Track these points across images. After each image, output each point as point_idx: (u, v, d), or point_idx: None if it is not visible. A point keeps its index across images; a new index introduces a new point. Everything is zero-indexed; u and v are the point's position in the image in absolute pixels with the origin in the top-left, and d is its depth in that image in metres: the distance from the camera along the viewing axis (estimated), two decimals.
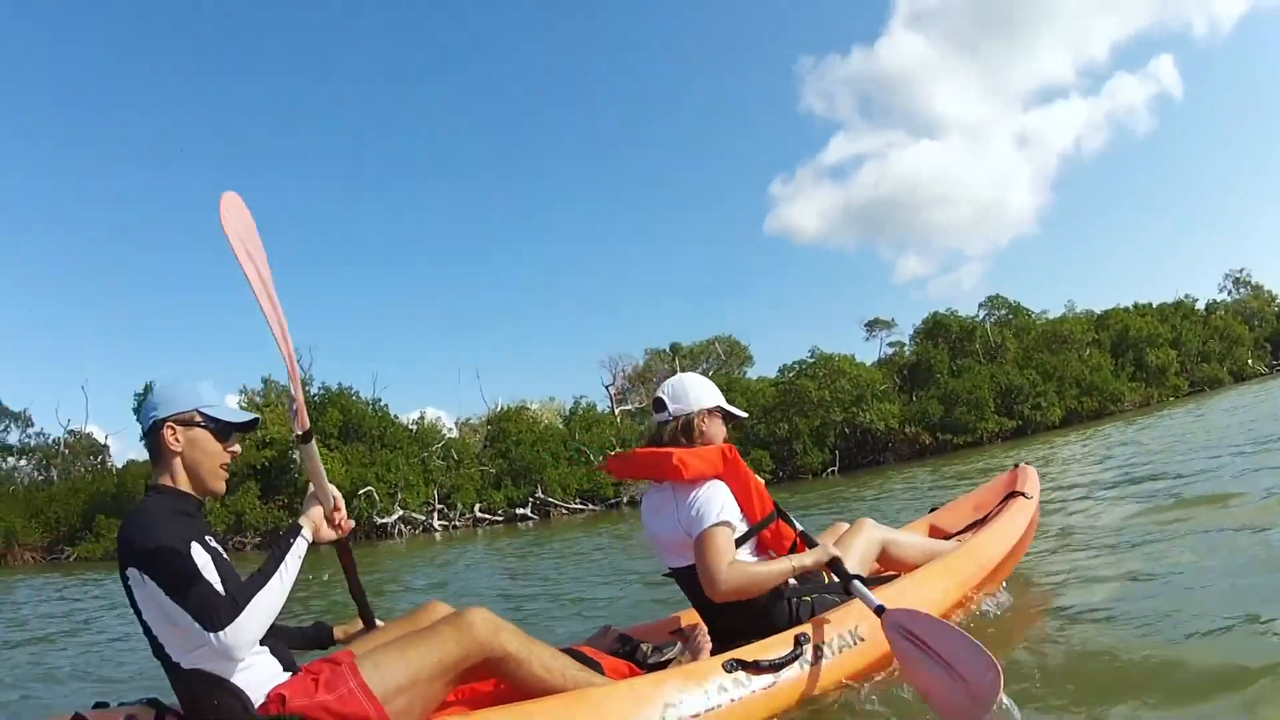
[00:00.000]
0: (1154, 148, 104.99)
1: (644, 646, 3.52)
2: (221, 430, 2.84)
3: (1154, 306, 51.98)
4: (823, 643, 3.24)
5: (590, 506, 34.59)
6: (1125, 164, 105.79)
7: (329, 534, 2.98)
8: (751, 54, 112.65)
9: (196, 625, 2.41)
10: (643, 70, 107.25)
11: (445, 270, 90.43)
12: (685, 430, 3.70)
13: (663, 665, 3.33)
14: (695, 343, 53.92)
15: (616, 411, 45.38)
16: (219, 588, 2.50)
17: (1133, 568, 4.80)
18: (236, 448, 2.89)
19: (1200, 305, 55.28)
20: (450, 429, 35.99)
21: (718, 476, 3.54)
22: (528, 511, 33.69)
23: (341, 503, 3.03)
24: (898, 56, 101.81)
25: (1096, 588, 4.43)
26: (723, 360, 52.51)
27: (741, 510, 3.55)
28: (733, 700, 2.93)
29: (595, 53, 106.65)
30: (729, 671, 3.00)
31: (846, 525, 4.24)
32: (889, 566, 4.11)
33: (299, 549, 2.72)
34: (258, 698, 2.61)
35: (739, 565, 3.39)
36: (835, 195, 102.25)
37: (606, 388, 49.44)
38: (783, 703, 3.05)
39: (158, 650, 2.63)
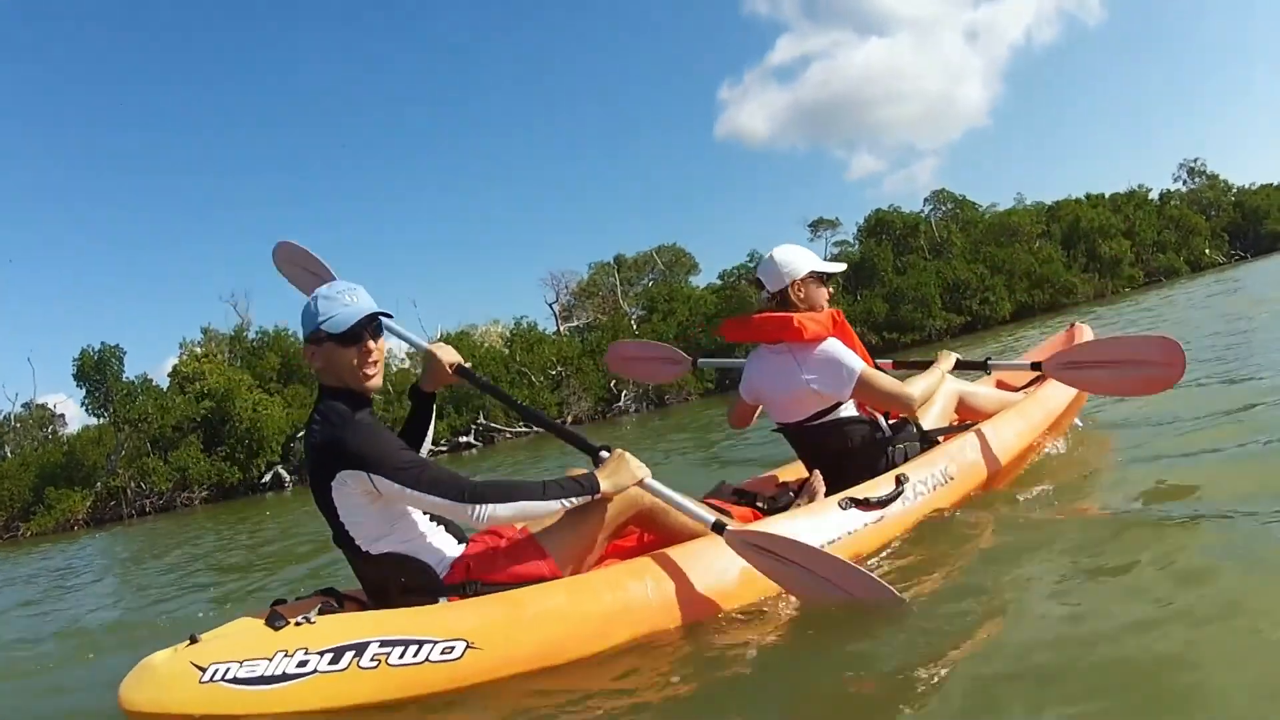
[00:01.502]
0: (1105, 39, 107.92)
1: (760, 497, 4.03)
2: (344, 338, 3.02)
3: (1106, 197, 52.91)
4: (920, 482, 3.87)
5: (534, 430, 34.98)
6: (1077, 56, 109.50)
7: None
8: None
9: (452, 504, 2.88)
10: None
11: (389, 195, 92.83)
12: (785, 304, 4.18)
13: (778, 510, 3.84)
14: (639, 253, 54.39)
15: (563, 329, 45.71)
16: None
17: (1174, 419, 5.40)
18: (368, 345, 3.07)
19: (1154, 195, 56.28)
20: (402, 359, 36.18)
21: (831, 336, 4.04)
22: (471, 439, 34.05)
23: None
24: None
25: (1148, 437, 5.02)
26: (663, 271, 52.87)
27: None
28: (848, 532, 3.52)
29: None
30: (844, 509, 3.59)
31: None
32: (965, 416, 4.68)
33: (580, 500, 3.08)
34: (442, 569, 3.06)
35: (913, 380, 4.04)
36: (784, 97, 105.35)
37: (550, 305, 49.73)
38: (889, 533, 3.67)
39: (342, 541, 3.05)
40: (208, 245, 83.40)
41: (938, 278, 41.53)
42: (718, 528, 3.10)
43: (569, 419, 34.94)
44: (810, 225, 54.73)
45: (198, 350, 37.07)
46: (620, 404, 35.91)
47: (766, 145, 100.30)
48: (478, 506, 2.87)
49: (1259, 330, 10.44)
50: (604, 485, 3.12)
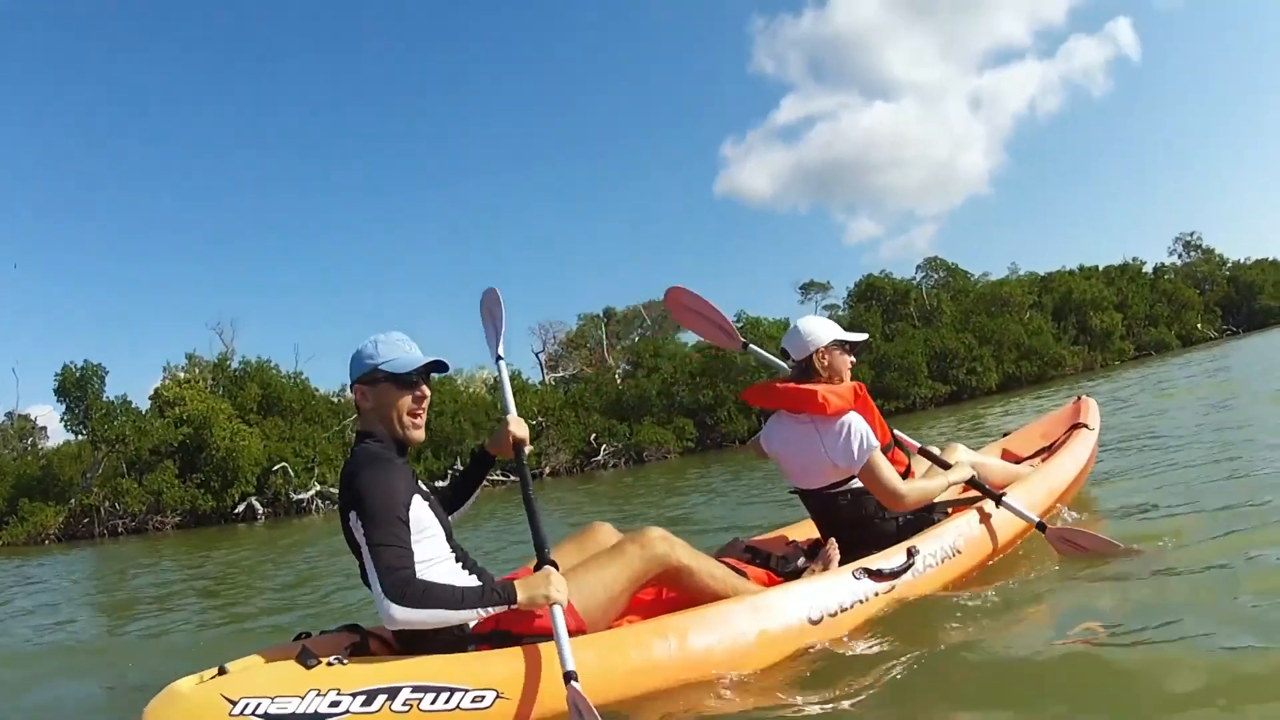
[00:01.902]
0: (1110, 111, 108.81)
1: (773, 558, 4.20)
2: (402, 381, 3.24)
3: (1100, 269, 53.40)
4: (930, 554, 4.07)
5: (512, 477, 34.89)
6: (1081, 126, 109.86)
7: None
8: (702, 13, 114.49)
9: (379, 585, 2.87)
10: (590, 29, 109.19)
11: (377, 235, 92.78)
12: (809, 371, 4.38)
13: (792, 573, 4.05)
14: (628, 307, 54.79)
15: (548, 379, 45.79)
16: (414, 564, 2.95)
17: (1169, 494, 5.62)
18: (423, 391, 3.30)
19: (1148, 268, 56.66)
20: None
21: (852, 410, 4.22)
22: (447, 485, 33.83)
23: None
24: (850, 17, 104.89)
25: (1149, 511, 5.21)
26: (651, 326, 53.01)
27: None
28: (860, 601, 3.72)
29: (537, 10, 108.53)
30: (857, 579, 3.78)
31: (937, 451, 4.91)
32: (972, 486, 4.78)
33: (496, 610, 3.02)
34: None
35: (912, 482, 4.26)
36: (787, 157, 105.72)
37: (536, 354, 50.06)
38: (899, 603, 3.83)
39: (369, 580, 3.05)
40: (198, 268, 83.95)
41: (925, 346, 41.80)
42: (566, 679, 2.92)
43: (546, 470, 34.95)
44: (801, 288, 55.21)
45: (181, 375, 37.20)
46: (599, 458, 35.94)
47: (767, 205, 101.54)
48: (394, 607, 2.85)
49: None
50: (520, 597, 3.06)
